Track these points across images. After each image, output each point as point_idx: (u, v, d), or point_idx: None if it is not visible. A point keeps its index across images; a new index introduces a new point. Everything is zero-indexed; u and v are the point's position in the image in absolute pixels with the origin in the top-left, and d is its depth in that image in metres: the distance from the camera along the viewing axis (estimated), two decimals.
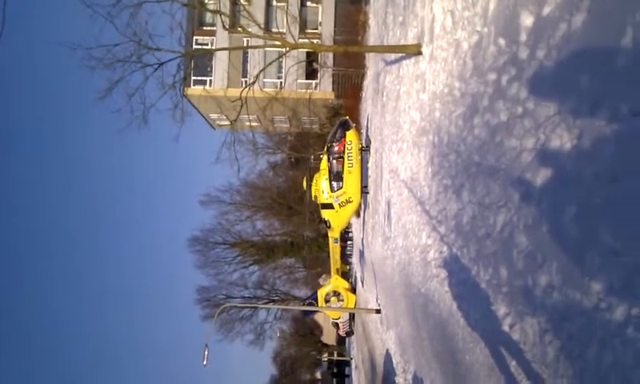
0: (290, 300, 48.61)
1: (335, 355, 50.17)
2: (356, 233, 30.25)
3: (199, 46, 29.55)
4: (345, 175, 17.75)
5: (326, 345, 58.43)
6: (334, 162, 17.75)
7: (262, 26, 12.85)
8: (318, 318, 53.45)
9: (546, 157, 3.54)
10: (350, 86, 27.08)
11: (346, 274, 30.25)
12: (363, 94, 24.03)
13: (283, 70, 28.85)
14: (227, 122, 31.96)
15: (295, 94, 27.32)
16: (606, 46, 2.86)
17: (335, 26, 29.79)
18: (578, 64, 3.17)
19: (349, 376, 44.96)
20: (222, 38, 28.96)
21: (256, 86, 10.35)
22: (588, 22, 3.10)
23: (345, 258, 31.67)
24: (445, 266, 6.34)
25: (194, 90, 29.40)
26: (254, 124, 24.43)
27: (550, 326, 3.39)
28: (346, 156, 17.56)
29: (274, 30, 25.83)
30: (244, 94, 10.33)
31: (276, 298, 49.77)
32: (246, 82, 25.29)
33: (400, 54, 10.18)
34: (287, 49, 9.36)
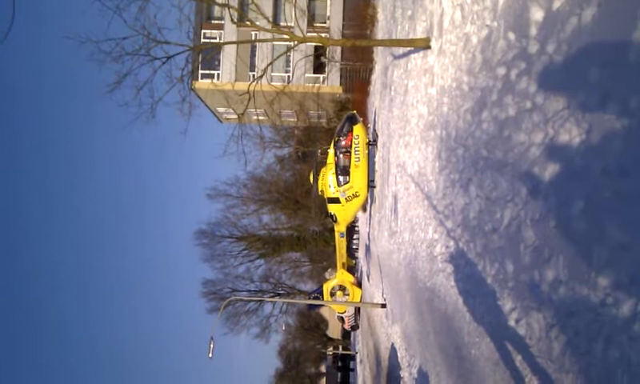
0: (295, 294, 48.78)
1: (340, 349, 50.40)
2: (362, 227, 30.25)
3: (207, 40, 29.58)
4: (352, 169, 17.71)
5: (331, 339, 58.68)
6: (341, 156, 17.71)
7: (270, 19, 12.84)
8: (324, 311, 53.65)
9: (554, 151, 3.52)
10: (357, 81, 26.99)
11: (351, 268, 30.26)
12: (371, 89, 23.95)
13: (291, 64, 28.85)
14: (234, 116, 31.98)
15: (303, 88, 27.30)
16: (616, 40, 2.84)
17: (343, 20, 29.69)
18: (587, 58, 3.15)
19: (354, 370, 45.13)
20: (230, 32, 28.99)
21: (264, 80, 10.36)
22: (598, 16, 3.07)
23: (351, 252, 31.68)
24: (451, 260, 6.34)
25: (202, 84, 29.46)
26: (261, 118, 24.45)
27: (556, 321, 3.39)
28: (353, 150, 17.51)
29: (282, 23, 25.77)
30: (251, 88, 10.33)
31: (282, 291, 49.93)
32: (253, 75, 25.30)
33: (408, 48, 10.14)
34: (295, 43, 9.33)
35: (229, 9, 10.65)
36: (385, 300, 15.41)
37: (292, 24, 21.42)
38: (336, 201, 18.70)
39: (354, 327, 32.58)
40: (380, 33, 19.82)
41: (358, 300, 23.71)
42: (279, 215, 47.85)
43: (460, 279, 5.95)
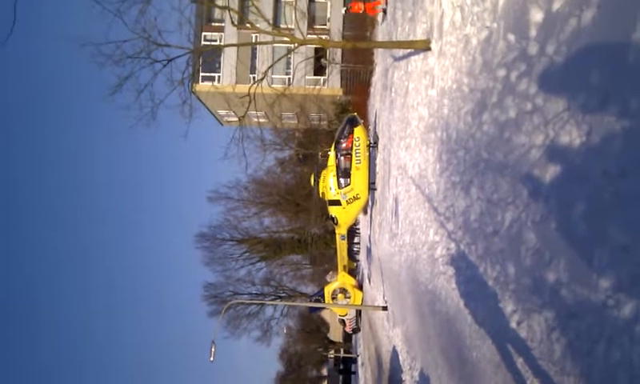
0: (296, 297, 48.70)
1: (342, 352, 50.26)
2: (363, 229, 30.22)
3: (208, 42, 29.62)
4: (352, 172, 17.72)
5: (332, 342, 58.54)
6: (342, 158, 17.73)
7: (271, 21, 12.86)
8: (325, 314, 53.53)
9: (554, 153, 3.51)
10: (358, 83, 27.00)
11: (352, 271, 30.24)
12: (371, 91, 23.97)
13: (291, 67, 28.86)
14: (235, 119, 32.04)
15: (303, 91, 27.30)
16: (616, 42, 2.83)
17: (344, 22, 29.70)
18: (587, 60, 3.15)
19: (355, 373, 45.00)
20: (230, 34, 29.04)
21: (264, 82, 10.37)
22: (598, 18, 3.07)
23: (352, 254, 31.67)
24: (452, 262, 6.33)
25: (203, 87, 29.48)
26: (261, 120, 24.49)
27: (557, 324, 3.38)
28: (353, 152, 17.53)
29: (283, 25, 25.83)
30: (252, 90, 10.35)
31: (283, 294, 49.85)
32: (254, 78, 25.35)
33: (409, 50, 10.15)
34: (295, 45, 9.35)
35: (229, 11, 10.68)
36: (386, 302, 15.39)
37: (292, 26, 21.44)
38: (337, 203, 18.71)
39: (356, 330, 32.58)
40: (380, 34, 19.85)
41: (360, 303, 23.71)
42: (280, 218, 47.81)
43: (461, 282, 5.94)
